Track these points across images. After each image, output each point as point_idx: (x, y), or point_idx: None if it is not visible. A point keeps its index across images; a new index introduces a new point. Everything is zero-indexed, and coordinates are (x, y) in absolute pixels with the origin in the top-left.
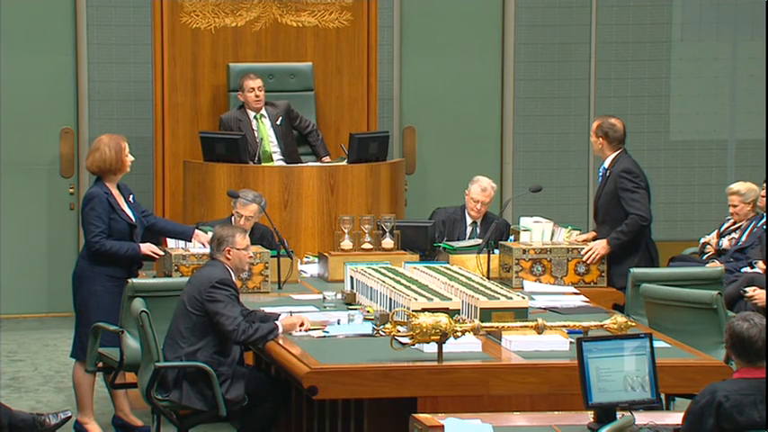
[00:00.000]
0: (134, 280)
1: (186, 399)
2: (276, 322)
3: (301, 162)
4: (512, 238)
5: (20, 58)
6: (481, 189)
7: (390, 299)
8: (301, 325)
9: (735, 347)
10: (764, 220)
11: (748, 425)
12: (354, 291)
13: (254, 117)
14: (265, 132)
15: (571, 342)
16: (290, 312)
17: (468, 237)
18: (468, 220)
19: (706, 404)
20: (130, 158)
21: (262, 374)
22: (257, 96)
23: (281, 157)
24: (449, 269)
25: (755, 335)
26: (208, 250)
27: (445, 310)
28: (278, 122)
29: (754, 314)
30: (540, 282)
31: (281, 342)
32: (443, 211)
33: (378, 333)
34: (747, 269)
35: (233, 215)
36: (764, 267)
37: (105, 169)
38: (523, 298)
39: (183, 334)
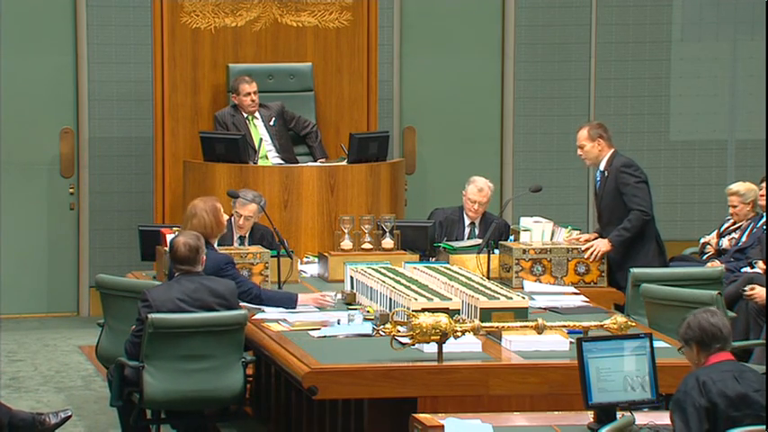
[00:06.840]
0: (103, 276)
1: None
2: None
3: (298, 161)
4: (512, 238)
5: (20, 58)
6: (477, 189)
7: (390, 299)
8: None
9: (704, 339)
10: (764, 220)
11: (736, 395)
12: (354, 291)
13: (247, 118)
14: (257, 133)
15: (571, 342)
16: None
17: (466, 238)
18: (467, 221)
19: (691, 387)
20: (225, 217)
21: None
22: (253, 101)
23: (277, 155)
24: (449, 269)
25: (719, 322)
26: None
27: (445, 310)
28: (271, 123)
29: (706, 309)
30: (540, 282)
31: (281, 342)
32: (441, 212)
33: (378, 333)
34: (747, 269)
35: (232, 215)
36: (764, 267)
37: (207, 234)
38: (523, 298)
39: None
